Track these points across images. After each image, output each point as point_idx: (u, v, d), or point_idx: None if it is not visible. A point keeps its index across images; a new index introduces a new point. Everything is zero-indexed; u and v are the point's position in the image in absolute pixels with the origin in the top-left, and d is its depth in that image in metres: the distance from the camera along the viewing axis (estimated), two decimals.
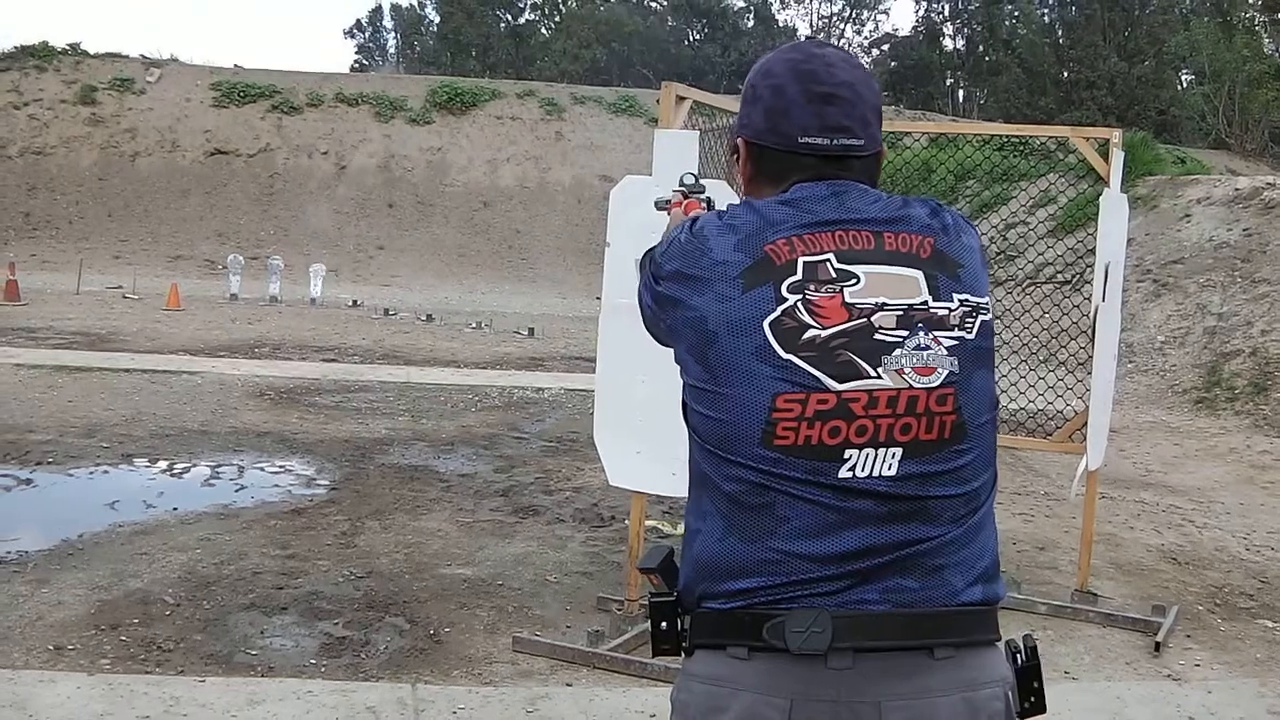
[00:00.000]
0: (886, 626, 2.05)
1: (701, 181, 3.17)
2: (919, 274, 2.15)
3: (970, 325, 2.17)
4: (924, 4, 75.47)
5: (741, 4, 76.19)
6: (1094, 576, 7.97)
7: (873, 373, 2.07)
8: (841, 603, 2.04)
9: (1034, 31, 68.32)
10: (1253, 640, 7.08)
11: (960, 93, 75.95)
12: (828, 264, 2.13)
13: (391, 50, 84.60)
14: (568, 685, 5.75)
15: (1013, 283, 21.27)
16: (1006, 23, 71.88)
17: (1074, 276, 20.28)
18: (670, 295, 2.22)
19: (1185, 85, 59.37)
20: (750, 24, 76.03)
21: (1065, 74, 66.87)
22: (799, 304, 2.09)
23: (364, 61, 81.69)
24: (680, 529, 8.45)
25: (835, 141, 2.24)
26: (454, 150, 40.15)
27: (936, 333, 2.12)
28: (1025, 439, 8.44)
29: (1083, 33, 65.80)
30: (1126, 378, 16.67)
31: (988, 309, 2.21)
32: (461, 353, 19.38)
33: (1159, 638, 6.75)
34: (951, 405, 2.11)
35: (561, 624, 6.59)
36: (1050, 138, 8.79)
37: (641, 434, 6.13)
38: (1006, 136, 29.56)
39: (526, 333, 22.93)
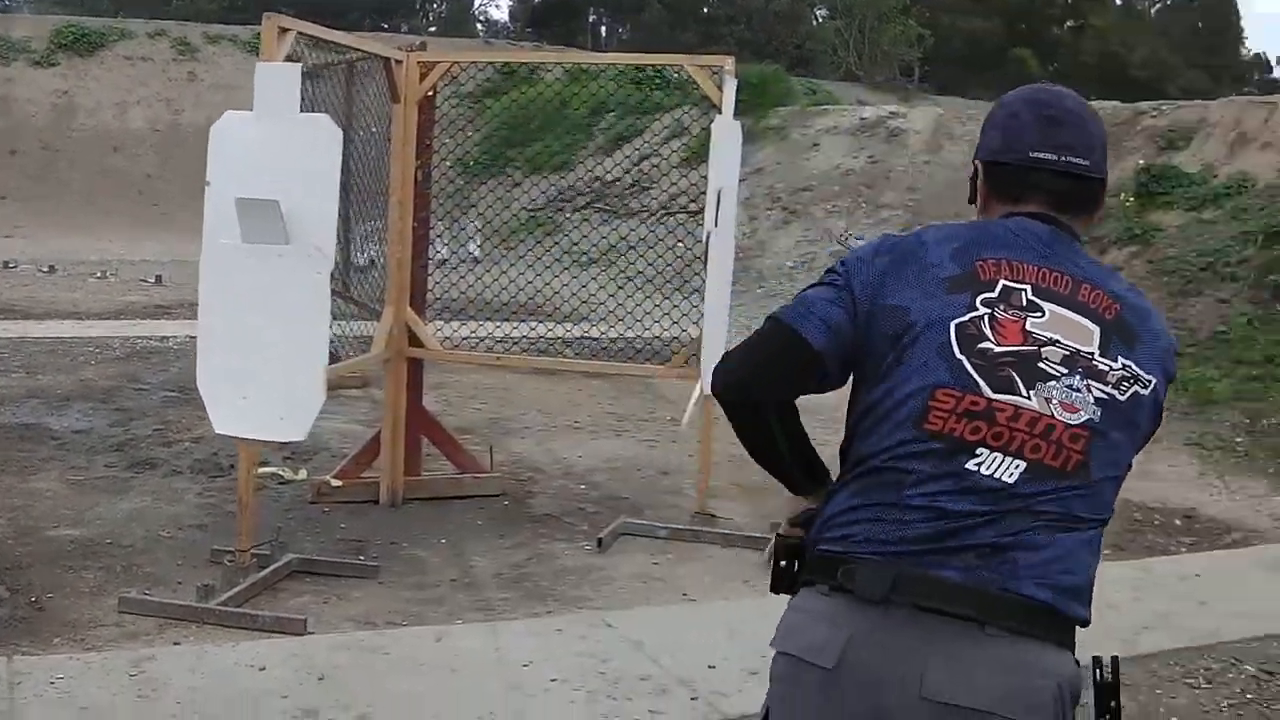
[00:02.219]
0: (946, 592, 2.26)
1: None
2: (1096, 329, 2.38)
3: (1125, 390, 2.37)
4: None
5: None
6: (716, 498, 8.14)
7: (1025, 393, 2.32)
8: (916, 564, 2.28)
9: None
10: None
11: (604, 28, 76.48)
12: (1024, 293, 2.38)
13: None
14: (175, 644, 5.54)
15: (646, 213, 21.55)
16: None
17: (705, 206, 20.64)
18: (873, 284, 2.43)
19: (821, 20, 61.14)
20: None
21: (706, 9, 68.16)
22: (986, 317, 2.36)
23: None
24: (302, 473, 8.29)
25: (1063, 158, 2.46)
26: (81, 93, 38.25)
27: (1092, 382, 2.35)
28: (643, 365, 8.46)
29: None
30: (756, 304, 17.09)
31: (1147, 385, 2.40)
32: (84, 303, 18.43)
33: None
34: (1083, 446, 2.32)
35: (173, 580, 6.35)
36: (672, 66, 8.76)
37: (248, 379, 5.92)
38: (640, 68, 29.80)
39: (154, 280, 22.03)
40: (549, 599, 6.41)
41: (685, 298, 18.11)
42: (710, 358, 7.19)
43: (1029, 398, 2.32)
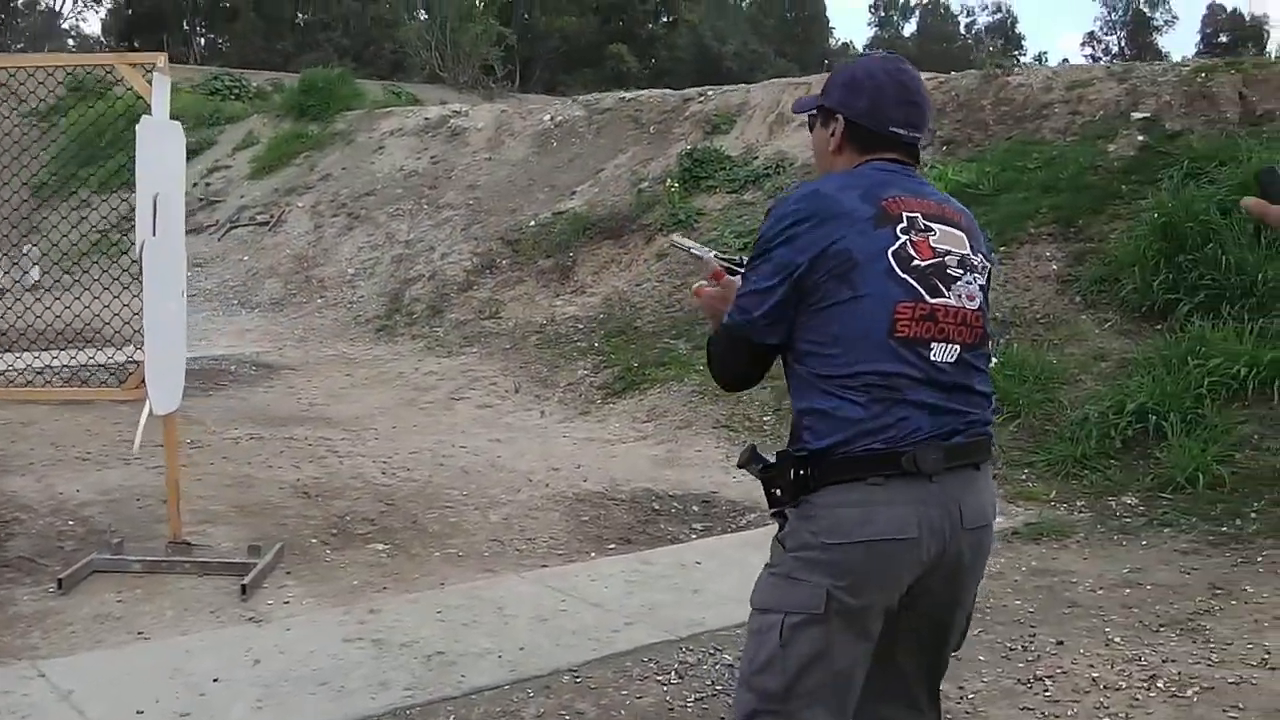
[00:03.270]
0: (963, 451, 3.05)
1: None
2: (964, 235, 3.17)
3: (985, 272, 3.20)
4: None
5: None
6: (211, 523, 7.72)
7: (946, 294, 3.05)
8: (940, 438, 2.99)
9: None
10: (357, 567, 7.02)
11: (201, 39, 74.14)
12: (918, 219, 3.08)
13: None
14: None
15: (214, 228, 20.79)
16: None
17: (273, 216, 20.10)
18: (807, 235, 3.00)
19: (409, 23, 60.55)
20: None
21: (301, 16, 66.91)
22: (907, 242, 3.03)
23: None
24: None
25: (910, 134, 3.22)
26: None
27: (974, 275, 3.14)
28: (98, 390, 7.82)
29: None
30: (316, 314, 16.65)
31: (992, 263, 3.34)
32: None
33: (246, 580, 6.52)
34: (980, 322, 3.14)
35: None
36: (102, 66, 8.10)
37: None
38: (218, 76, 28.74)
39: None
40: None
41: (251, 311, 17.54)
42: (157, 377, 6.68)
43: (949, 297, 3.05)
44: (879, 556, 2.96)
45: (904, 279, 2.99)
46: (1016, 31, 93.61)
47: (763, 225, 3.14)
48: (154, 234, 6.56)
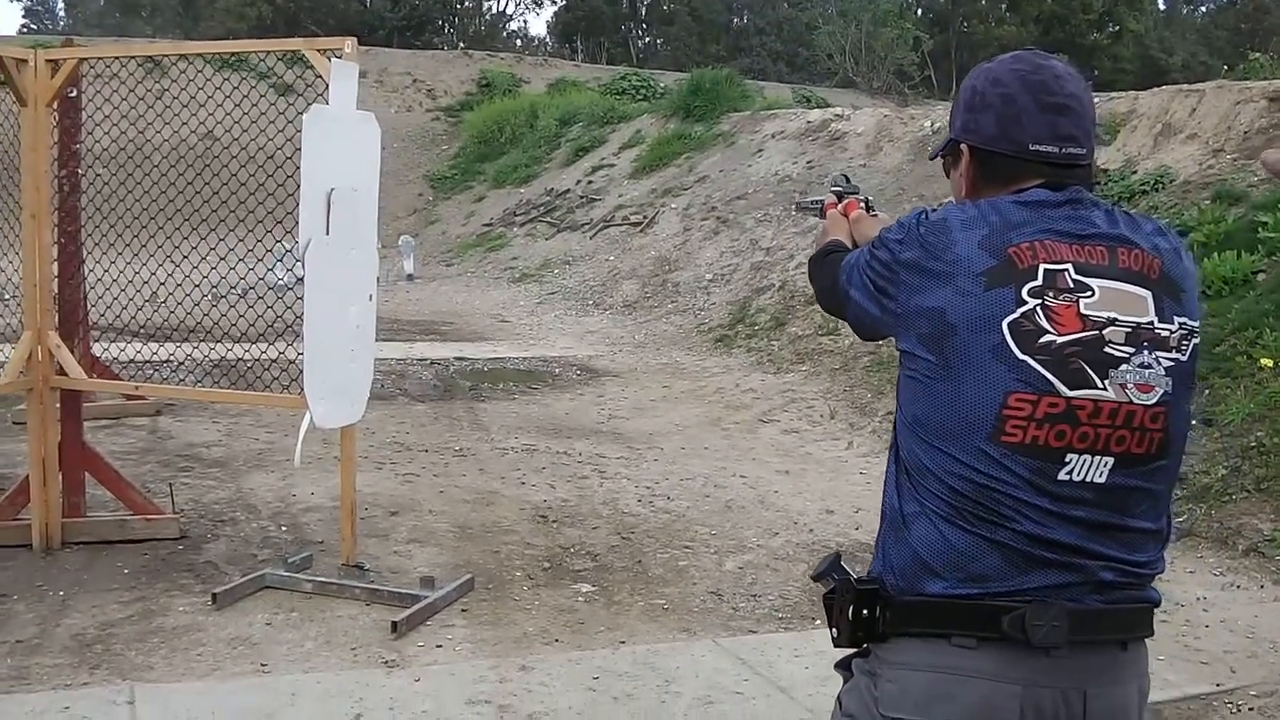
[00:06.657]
0: (1101, 622, 2.18)
1: (854, 183, 3.25)
2: (1148, 294, 2.22)
3: (1185, 348, 2.24)
4: None
5: None
6: (421, 543, 7.12)
7: (1100, 384, 2.16)
8: (1070, 597, 2.14)
9: None
10: (544, 610, 6.14)
11: (642, 41, 75.67)
12: (1066, 274, 2.19)
13: (61, 12, 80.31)
14: None
15: (588, 227, 20.49)
16: None
17: (645, 217, 19.64)
18: (907, 283, 2.26)
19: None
20: None
21: (735, 21, 67.29)
22: (1038, 308, 2.16)
23: (32, 25, 77.13)
24: None
25: (1064, 150, 2.30)
26: None
27: (1158, 353, 2.21)
28: (266, 395, 6.95)
29: None
30: (663, 319, 16.00)
31: (1198, 332, 2.28)
32: None
33: (400, 618, 5.74)
34: (1162, 424, 2.20)
35: None
36: (286, 51, 7.34)
37: None
38: (626, 77, 29.03)
39: None
40: (105, 667, 5.28)
41: (604, 313, 17.05)
42: (319, 388, 5.90)
43: (1105, 388, 2.17)
44: None
45: (1023, 361, 2.15)
46: None
47: (893, 224, 2.41)
48: (326, 233, 5.81)
